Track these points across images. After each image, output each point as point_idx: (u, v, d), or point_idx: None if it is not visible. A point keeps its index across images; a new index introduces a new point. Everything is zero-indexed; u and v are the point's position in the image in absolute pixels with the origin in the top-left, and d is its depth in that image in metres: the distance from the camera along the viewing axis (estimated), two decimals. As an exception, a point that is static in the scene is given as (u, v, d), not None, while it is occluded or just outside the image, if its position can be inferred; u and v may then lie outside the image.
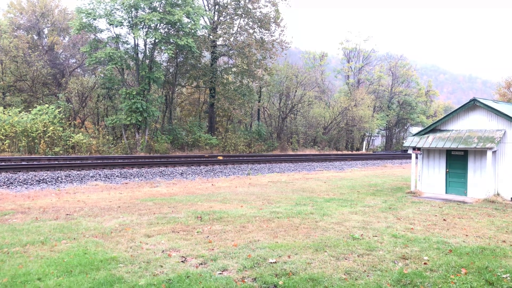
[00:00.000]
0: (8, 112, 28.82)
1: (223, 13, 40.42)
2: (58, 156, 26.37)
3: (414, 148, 16.06)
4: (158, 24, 32.57)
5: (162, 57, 39.56)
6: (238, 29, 40.65)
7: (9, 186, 15.51)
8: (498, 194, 14.49)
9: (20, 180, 16.44)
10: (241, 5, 39.67)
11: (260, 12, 40.47)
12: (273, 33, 41.59)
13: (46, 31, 40.20)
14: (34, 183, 16.28)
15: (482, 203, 13.71)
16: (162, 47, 33.54)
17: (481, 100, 15.07)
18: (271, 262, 6.84)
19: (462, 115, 15.66)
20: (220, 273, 6.32)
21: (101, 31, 33.12)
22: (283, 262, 6.89)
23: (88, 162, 23.61)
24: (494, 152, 14.43)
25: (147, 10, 32.04)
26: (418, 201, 14.10)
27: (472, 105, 15.24)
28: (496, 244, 8.36)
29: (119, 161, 25.41)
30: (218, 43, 40.77)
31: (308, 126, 54.42)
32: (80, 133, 31.32)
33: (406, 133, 67.56)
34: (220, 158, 30.80)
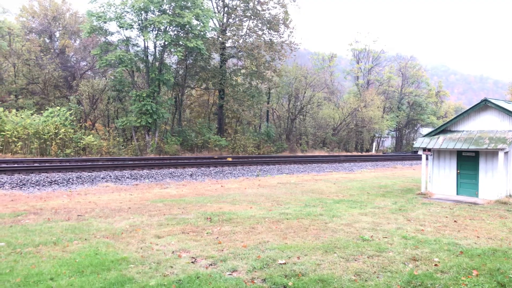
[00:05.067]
0: (21, 115, 29.22)
1: (232, 15, 40.54)
2: (70, 158, 26.66)
3: (424, 149, 15.95)
4: (168, 27, 32.78)
5: (171, 59, 39.80)
6: (247, 30, 40.73)
7: (21, 187, 15.72)
8: (510, 196, 14.32)
9: (33, 182, 16.66)
10: (250, 7, 39.76)
11: (269, 13, 40.54)
12: (282, 34, 41.65)
13: (57, 34, 40.72)
14: (46, 185, 16.48)
15: (494, 204, 13.56)
16: (172, 49, 33.74)
17: (493, 101, 14.91)
18: (281, 263, 6.85)
19: (473, 115, 15.51)
20: (230, 274, 6.35)
21: (112, 34, 33.44)
22: (292, 263, 6.90)
23: (99, 163, 23.82)
24: (506, 153, 14.27)
25: (157, 13, 32.27)
26: (429, 202, 13.99)
27: (484, 105, 15.09)
28: (508, 246, 8.26)
29: (129, 162, 25.60)
30: (227, 45, 40.90)
31: (317, 127, 54.27)
32: (91, 135, 31.63)
33: (417, 134, 67.02)
34: (229, 159, 30.87)
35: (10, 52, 35.92)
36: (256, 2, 39.60)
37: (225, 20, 40.38)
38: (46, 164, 22.05)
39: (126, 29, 32.17)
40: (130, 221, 9.89)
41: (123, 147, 33.44)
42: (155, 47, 34.41)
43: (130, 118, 32.97)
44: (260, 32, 40.81)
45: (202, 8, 33.11)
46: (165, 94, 39.23)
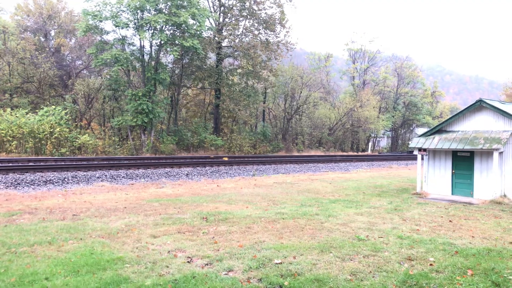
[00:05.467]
0: (16, 114, 29.06)
1: (228, 15, 40.50)
2: (65, 157, 26.54)
3: (419, 149, 16.01)
4: (164, 26, 32.70)
5: (167, 59, 39.68)
6: (243, 30, 40.70)
7: (16, 186, 15.64)
8: (504, 195, 14.41)
9: (27, 181, 16.57)
10: (246, 6, 39.73)
11: (265, 13, 40.52)
12: (278, 34, 41.62)
13: (52, 33, 40.52)
14: (41, 184, 16.40)
15: (489, 204, 13.64)
16: (168, 49, 33.65)
17: (488, 101, 15.00)
18: (277, 263, 6.86)
19: (468, 116, 15.58)
20: (226, 274, 6.35)
21: (107, 33, 33.30)
22: (288, 262, 6.90)
23: (94, 163, 23.73)
24: (500, 153, 14.35)
25: (153, 12, 32.18)
26: (424, 202, 14.05)
27: (479, 106, 15.17)
28: (503, 246, 8.32)
29: (125, 162, 25.52)
30: (223, 44, 40.85)
31: (314, 127, 54.33)
32: (86, 134, 31.49)
33: (412, 134, 67.22)
34: (226, 159, 30.85)
35: (5, 50, 35.69)
36: (252, 2, 39.59)
37: (221, 19, 40.33)
38: (41, 164, 21.94)
39: (122, 28, 32.05)
40: (125, 221, 9.87)
41: (118, 147, 33.32)
42: (151, 46, 34.32)
43: (125, 118, 32.86)
44: (256, 32, 40.80)
45: (198, 7, 33.06)
46: (161, 93, 39.15)
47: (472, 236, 9.07)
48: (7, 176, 17.30)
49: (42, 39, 39.31)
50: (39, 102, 35.80)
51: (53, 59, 37.02)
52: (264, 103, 47.94)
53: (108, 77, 35.22)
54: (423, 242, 8.40)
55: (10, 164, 20.94)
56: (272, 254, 7.33)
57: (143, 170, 21.83)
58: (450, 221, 10.77)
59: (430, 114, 70.95)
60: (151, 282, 5.88)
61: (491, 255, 7.57)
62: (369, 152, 58.79)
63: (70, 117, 32.46)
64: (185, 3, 32.62)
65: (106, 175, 19.32)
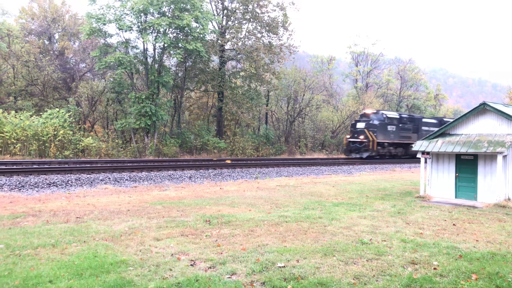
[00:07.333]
0: (20, 116, 29.18)
1: (232, 18, 40.61)
2: (68, 160, 26.62)
3: (423, 152, 15.97)
4: (167, 29, 32.81)
5: (171, 62, 39.82)
6: (246, 33, 40.78)
7: (20, 189, 15.69)
8: (509, 199, 14.34)
9: (31, 183, 16.63)
10: (249, 9, 39.81)
11: (268, 16, 40.57)
12: (281, 37, 41.64)
13: (57, 36, 40.74)
14: (45, 186, 16.45)
15: (493, 208, 13.58)
16: (171, 52, 33.76)
17: (491, 104, 14.95)
18: (280, 266, 6.85)
19: (471, 119, 15.54)
20: (229, 277, 6.35)
21: (111, 36, 33.46)
22: (291, 266, 6.90)
23: (98, 165, 23.78)
24: (504, 156, 14.29)
25: (156, 15, 32.31)
26: (428, 205, 14.01)
27: (482, 109, 15.12)
28: (507, 250, 8.27)
29: (128, 164, 25.56)
30: (226, 47, 40.93)
31: (316, 129, 54.28)
32: (90, 137, 31.59)
33: (415, 137, 66.97)
34: (228, 161, 30.85)
35: (10, 53, 35.94)
36: (255, 5, 39.66)
37: (224, 22, 40.43)
38: (45, 166, 22.01)
39: (126, 31, 32.20)
40: (129, 224, 9.88)
41: (122, 149, 33.40)
42: (154, 49, 34.45)
43: (129, 120, 32.95)
44: (259, 35, 40.85)
45: (202, 10, 33.15)
46: (164, 96, 39.23)
47: (476, 240, 9.03)
48: (11, 178, 17.38)
49: (46, 42, 39.53)
50: (43, 104, 35.97)
51: (57, 62, 37.21)
52: (267, 105, 47.96)
53: (111, 80, 35.36)
54: (426, 246, 8.37)
55: (14, 167, 21.03)
56: (275, 258, 7.33)
57: (146, 173, 21.87)
58: (454, 224, 10.73)
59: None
60: (155, 285, 5.89)
61: (496, 259, 7.54)
62: (372, 155, 58.55)
63: (73, 120, 32.59)
64: (189, 6, 32.73)
65: (109, 178, 19.36)
